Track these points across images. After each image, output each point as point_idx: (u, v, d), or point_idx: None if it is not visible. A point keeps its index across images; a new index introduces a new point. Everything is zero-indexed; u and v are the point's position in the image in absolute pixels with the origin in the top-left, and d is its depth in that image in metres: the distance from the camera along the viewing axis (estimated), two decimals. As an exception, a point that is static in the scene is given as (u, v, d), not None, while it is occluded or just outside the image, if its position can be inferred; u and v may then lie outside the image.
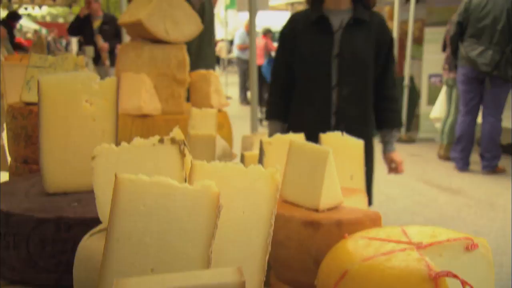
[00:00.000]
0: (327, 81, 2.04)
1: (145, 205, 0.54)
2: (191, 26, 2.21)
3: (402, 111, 6.59)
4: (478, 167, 5.08)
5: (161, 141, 0.71)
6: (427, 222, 3.74)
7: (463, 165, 5.11)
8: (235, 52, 11.81)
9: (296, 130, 1.20)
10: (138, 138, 0.71)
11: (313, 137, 1.18)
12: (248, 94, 7.96)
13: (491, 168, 4.95)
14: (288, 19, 2.23)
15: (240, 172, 0.62)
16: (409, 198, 4.35)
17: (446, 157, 5.57)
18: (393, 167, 2.20)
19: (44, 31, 19.38)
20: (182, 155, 0.71)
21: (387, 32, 2.15)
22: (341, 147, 1.11)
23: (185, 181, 0.71)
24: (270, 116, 2.24)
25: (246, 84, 11.00)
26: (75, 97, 0.92)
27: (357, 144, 1.14)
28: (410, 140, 6.56)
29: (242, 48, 11.06)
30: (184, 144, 0.73)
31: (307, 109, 2.11)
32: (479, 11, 4.64)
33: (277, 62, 2.26)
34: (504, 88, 4.73)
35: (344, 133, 1.12)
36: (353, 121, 2.04)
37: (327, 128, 1.99)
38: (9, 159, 1.18)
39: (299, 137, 1.10)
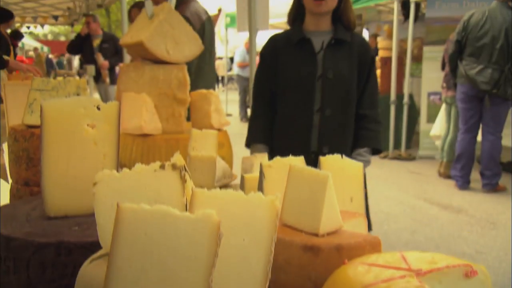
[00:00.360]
0: (309, 103, 1.99)
1: (147, 234, 0.55)
2: (192, 47, 2.24)
3: (402, 129, 6.62)
4: (479, 185, 5.07)
5: (162, 167, 0.71)
6: (428, 242, 3.72)
7: (464, 183, 5.10)
8: (235, 70, 11.91)
9: (278, 155, 1.18)
10: (140, 164, 0.72)
11: None
12: (248, 111, 8.00)
13: (491, 186, 4.94)
14: (268, 40, 2.18)
15: (241, 200, 0.62)
16: (410, 216, 4.34)
17: (446, 175, 5.57)
18: None
19: (45, 49, 19.56)
20: (183, 180, 0.72)
21: (369, 51, 2.10)
22: (340, 170, 1.12)
23: (186, 207, 0.71)
24: (253, 140, 2.14)
25: (246, 101, 11.07)
26: (77, 121, 0.93)
27: (357, 166, 1.15)
28: (410, 158, 6.57)
29: (242, 66, 11.16)
30: (185, 170, 0.73)
31: (289, 132, 2.05)
32: (477, 30, 4.68)
33: (258, 84, 2.19)
34: (503, 106, 4.76)
35: (344, 156, 1.12)
36: (337, 144, 1.98)
37: (309, 152, 1.99)
38: (10, 180, 1.19)
39: (299, 161, 1.11)
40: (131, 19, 3.75)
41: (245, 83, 10.94)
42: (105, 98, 6.70)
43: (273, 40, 2.15)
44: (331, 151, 1.53)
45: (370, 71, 2.09)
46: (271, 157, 1.41)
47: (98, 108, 0.95)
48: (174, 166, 0.71)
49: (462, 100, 4.93)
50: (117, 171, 0.97)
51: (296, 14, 2.10)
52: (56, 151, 0.92)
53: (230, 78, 19.11)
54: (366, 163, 2.03)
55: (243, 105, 11.31)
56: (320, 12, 1.97)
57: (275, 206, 0.62)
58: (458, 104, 5.04)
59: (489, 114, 4.79)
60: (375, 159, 5.46)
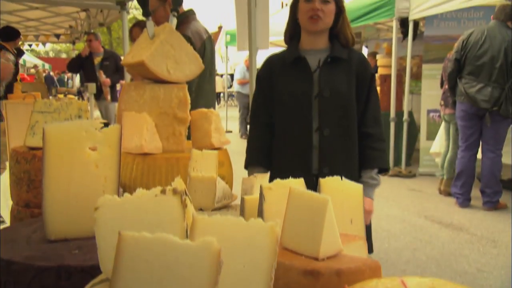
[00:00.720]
0: (308, 123, 1.96)
1: (148, 261, 0.55)
2: (192, 66, 2.25)
3: (402, 146, 6.63)
4: (479, 203, 5.06)
5: (163, 191, 0.72)
6: (429, 260, 3.70)
7: (464, 201, 5.09)
8: (235, 87, 11.97)
9: (277, 176, 1.17)
10: (141, 189, 0.73)
11: None
12: (248, 128, 8.04)
13: (492, 204, 4.93)
14: (264, 61, 2.17)
15: (241, 226, 0.63)
16: (410, 234, 4.32)
17: (446, 193, 5.56)
18: None
19: (47, 66, 19.68)
20: (184, 205, 0.72)
21: (368, 69, 2.06)
22: (340, 191, 1.12)
23: (187, 231, 0.71)
24: (251, 162, 2.13)
25: (246, 118, 11.10)
26: (79, 144, 0.94)
27: (356, 188, 1.16)
28: (410, 175, 6.56)
29: (242, 83, 11.23)
30: (186, 194, 0.74)
31: (288, 154, 2.02)
32: (476, 49, 4.72)
33: (255, 106, 2.17)
34: (503, 123, 4.77)
35: (343, 178, 1.13)
36: (337, 165, 1.94)
37: (308, 173, 1.93)
38: (10, 202, 1.19)
39: (298, 183, 1.11)
40: (132, 38, 3.79)
41: (245, 100, 10.99)
42: (105, 115, 6.73)
43: (269, 61, 2.13)
44: (332, 172, 1.50)
45: (371, 88, 2.05)
46: (272, 178, 1.40)
47: (106, 125, 0.96)
48: (175, 191, 0.72)
49: (462, 118, 4.94)
50: (118, 193, 0.98)
51: (293, 33, 2.09)
52: (57, 174, 0.93)
53: (230, 95, 19.22)
54: (377, 184, 2.02)
55: (243, 122, 11.35)
56: (316, 31, 1.96)
57: (275, 232, 0.62)
58: (458, 122, 5.06)
59: (489, 131, 4.80)
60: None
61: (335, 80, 1.96)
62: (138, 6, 2.29)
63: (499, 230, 4.39)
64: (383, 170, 2.06)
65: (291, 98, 1.99)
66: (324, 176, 1.17)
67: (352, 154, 2.01)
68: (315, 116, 1.96)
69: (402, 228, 4.48)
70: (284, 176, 1.20)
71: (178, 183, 0.77)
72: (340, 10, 1.98)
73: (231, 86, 19.05)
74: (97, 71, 6.68)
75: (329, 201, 0.84)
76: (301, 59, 1.99)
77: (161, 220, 0.72)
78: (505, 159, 5.01)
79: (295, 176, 1.21)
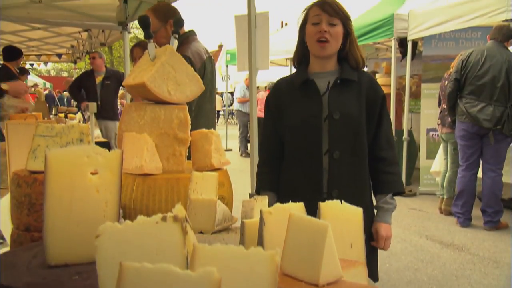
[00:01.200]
0: (317, 146, 1.92)
1: (148, 292, 0.55)
2: (193, 87, 2.27)
3: (402, 165, 6.63)
4: (480, 222, 5.04)
5: (163, 219, 0.72)
6: (430, 280, 3.67)
7: (465, 221, 5.07)
8: (235, 105, 12.02)
9: (287, 199, 1.16)
10: (141, 216, 0.73)
11: (305, 207, 1.19)
12: (249, 146, 8.05)
13: (493, 224, 4.91)
14: (273, 86, 2.15)
15: (241, 255, 0.63)
16: (412, 254, 4.29)
17: (447, 212, 5.54)
18: (378, 240, 1.96)
19: (48, 85, 19.79)
20: (184, 232, 0.72)
21: (378, 90, 2.01)
22: (340, 215, 1.13)
23: (187, 258, 0.72)
24: (261, 188, 2.09)
25: (246, 136, 11.15)
26: (80, 169, 0.94)
27: (356, 211, 1.16)
28: (410, 194, 6.55)
29: (242, 101, 11.29)
30: (186, 221, 0.74)
31: (297, 177, 1.98)
32: (477, 69, 4.76)
33: (265, 131, 2.15)
34: (504, 142, 4.79)
35: (343, 202, 1.13)
36: (347, 188, 1.91)
37: (319, 196, 1.90)
38: (11, 226, 1.19)
39: (298, 207, 1.11)
40: (133, 58, 3.83)
41: (245, 118, 11.05)
42: (106, 134, 6.74)
43: (277, 85, 2.12)
44: (341, 195, 1.49)
45: (382, 110, 2.00)
46: (282, 201, 1.39)
47: (106, 144, 0.97)
48: (175, 218, 0.72)
49: (463, 137, 4.96)
50: (118, 218, 0.98)
51: (301, 57, 2.07)
52: (59, 199, 0.93)
53: (230, 113, 19.29)
54: (393, 208, 1.98)
55: (243, 140, 11.37)
56: (324, 55, 1.94)
57: (275, 262, 0.63)
58: (458, 141, 5.07)
59: (490, 151, 4.81)
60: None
61: (344, 102, 1.93)
62: (139, 25, 2.31)
63: (501, 250, 4.36)
64: (398, 193, 2.02)
65: (301, 121, 1.96)
66: (333, 199, 1.17)
67: (362, 176, 1.97)
68: (325, 138, 1.92)
69: (403, 248, 4.46)
70: (295, 199, 1.19)
71: (179, 209, 0.78)
72: (348, 32, 1.95)
73: (231, 104, 19.13)
74: (98, 90, 6.72)
75: (329, 227, 0.84)
76: (309, 82, 1.96)
77: (162, 247, 0.72)
78: (506, 178, 5.01)
79: (306, 199, 1.19)
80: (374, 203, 2.05)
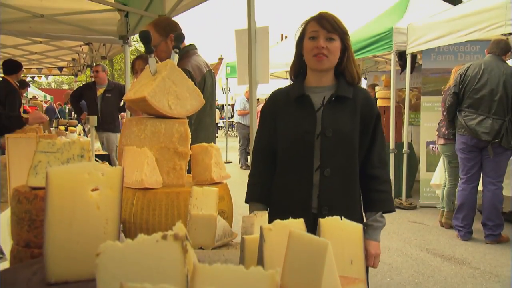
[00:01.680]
0: (309, 162, 1.92)
1: (148, 312, 0.55)
2: (193, 102, 2.28)
3: (402, 177, 6.63)
4: (481, 236, 5.02)
5: (164, 237, 0.73)
6: (431, 295, 3.65)
7: (466, 234, 5.06)
8: (236, 118, 12.05)
9: (276, 213, 1.15)
10: (142, 235, 0.73)
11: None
12: (249, 158, 8.06)
13: (494, 237, 4.89)
14: (269, 97, 2.15)
15: (241, 274, 0.63)
16: (413, 268, 4.27)
17: (448, 225, 5.53)
18: (367, 258, 1.91)
19: (49, 97, 19.86)
20: (185, 251, 0.73)
21: (373, 108, 2.00)
22: (340, 231, 1.13)
23: (187, 277, 0.72)
24: (251, 198, 2.09)
25: (247, 148, 11.16)
26: (81, 186, 0.95)
27: (356, 228, 1.16)
28: (411, 207, 6.54)
29: (243, 114, 11.33)
30: (187, 239, 0.75)
31: (288, 191, 1.98)
32: (475, 82, 4.80)
33: (258, 142, 2.15)
34: (504, 155, 4.79)
35: (343, 218, 1.13)
36: (337, 205, 1.90)
37: (308, 212, 1.90)
38: (10, 242, 1.19)
39: (298, 223, 1.11)
40: (135, 70, 3.85)
41: (245, 131, 11.10)
42: (107, 146, 6.76)
43: (273, 97, 2.12)
44: (332, 212, 1.47)
45: (376, 128, 1.99)
46: (271, 215, 1.39)
47: (106, 157, 0.98)
48: (176, 237, 0.72)
49: (462, 150, 4.97)
50: (119, 235, 0.99)
51: (298, 70, 2.07)
52: (59, 216, 0.94)
53: (231, 125, 19.33)
54: (382, 226, 1.97)
55: (243, 152, 11.39)
56: (321, 69, 1.94)
57: (275, 281, 0.63)
58: (458, 154, 5.07)
59: (490, 164, 4.82)
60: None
61: (338, 119, 1.91)
62: (140, 40, 2.33)
63: (502, 264, 4.34)
64: (389, 211, 1.99)
65: (293, 135, 1.95)
66: (323, 216, 1.17)
67: (352, 194, 1.97)
68: (317, 155, 1.91)
69: (404, 262, 4.44)
70: (283, 213, 1.19)
71: (179, 227, 0.78)
72: (345, 47, 1.95)
73: (232, 116, 19.17)
74: (98, 102, 6.76)
75: (329, 245, 0.84)
76: (305, 97, 1.96)
77: (162, 266, 0.72)
78: (506, 192, 5.00)
79: (294, 214, 1.20)
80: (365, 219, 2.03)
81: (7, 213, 1.30)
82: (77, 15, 5.72)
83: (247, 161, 11.20)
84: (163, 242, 0.73)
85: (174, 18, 4.75)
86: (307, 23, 2.00)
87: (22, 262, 1.12)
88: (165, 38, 3.14)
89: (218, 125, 20.50)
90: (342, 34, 1.94)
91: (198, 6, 4.35)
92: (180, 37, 2.51)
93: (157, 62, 2.29)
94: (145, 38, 2.25)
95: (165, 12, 4.83)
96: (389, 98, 6.93)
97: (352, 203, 1.97)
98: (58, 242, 0.94)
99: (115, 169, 0.98)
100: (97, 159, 4.15)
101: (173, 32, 3.17)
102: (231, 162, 11.88)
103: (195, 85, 3.01)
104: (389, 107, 6.94)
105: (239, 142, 11.60)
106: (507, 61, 4.95)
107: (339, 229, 1.12)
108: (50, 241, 0.94)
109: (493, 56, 4.86)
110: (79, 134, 6.18)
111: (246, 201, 2.12)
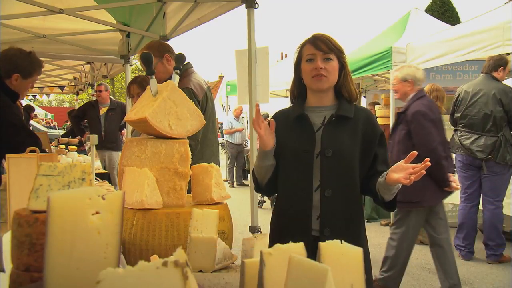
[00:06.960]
0: (308, 181, 1.91)
1: None
2: (194, 122, 2.30)
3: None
4: (483, 255, 4.99)
5: (164, 264, 0.73)
6: (433, 316, 3.61)
7: (467, 254, 5.02)
8: (225, 136, 12.03)
9: (277, 235, 1.15)
10: (142, 262, 0.73)
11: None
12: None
13: (496, 257, 4.86)
14: (271, 118, 2.14)
15: (241, 303, 0.63)
16: (414, 288, 4.23)
17: (448, 245, 5.49)
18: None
19: (49, 115, 19.93)
20: (185, 278, 0.73)
21: (376, 127, 1.98)
22: (340, 255, 1.12)
23: (187, 305, 0.72)
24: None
25: (234, 167, 11.29)
26: (82, 211, 0.95)
27: (357, 252, 1.15)
28: (412, 226, 6.48)
29: (229, 133, 11.41)
30: (187, 265, 0.75)
31: (288, 213, 1.98)
32: (466, 104, 4.94)
33: None
34: (502, 174, 4.79)
35: (343, 241, 1.13)
36: (339, 227, 1.87)
37: (308, 234, 1.88)
38: (10, 265, 1.19)
39: (299, 247, 1.11)
40: (130, 95, 3.87)
41: (233, 150, 11.20)
42: (108, 165, 6.77)
43: (274, 117, 2.12)
44: (334, 234, 1.47)
45: (380, 147, 1.96)
46: (272, 236, 1.39)
47: (106, 176, 0.98)
48: (176, 263, 0.73)
49: (460, 168, 5.00)
50: (119, 261, 0.98)
51: (298, 92, 2.08)
52: (60, 240, 0.94)
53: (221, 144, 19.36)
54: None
55: (231, 170, 11.44)
56: (322, 89, 1.94)
57: (276, 310, 0.63)
58: (457, 173, 5.08)
59: (488, 183, 4.82)
60: (376, 227, 5.44)
61: (338, 139, 1.90)
62: (141, 62, 2.37)
63: (504, 284, 4.30)
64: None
65: (293, 155, 1.96)
66: (325, 239, 1.17)
67: (355, 216, 1.95)
68: (316, 175, 1.91)
69: (405, 282, 4.39)
70: (284, 236, 1.19)
71: (179, 254, 0.78)
72: (342, 65, 1.96)
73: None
74: (101, 121, 6.81)
75: (329, 271, 0.84)
76: (304, 117, 1.96)
77: (162, 293, 0.72)
78: (506, 211, 4.99)
79: (295, 236, 1.19)
80: (369, 241, 2.02)
81: (6, 236, 1.30)
82: (79, 35, 5.79)
83: (235, 180, 11.33)
84: (163, 269, 0.73)
85: (175, 38, 4.81)
86: (302, 46, 2.02)
87: (22, 287, 1.11)
88: (160, 58, 3.20)
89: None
90: (338, 53, 1.96)
91: (199, 26, 4.40)
92: (181, 58, 2.54)
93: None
94: (146, 60, 2.28)
95: (166, 33, 4.89)
96: (389, 117, 6.96)
97: (356, 225, 1.95)
98: (58, 266, 0.94)
99: (116, 194, 0.98)
100: (97, 178, 4.15)
101: (167, 52, 3.22)
102: (228, 181, 11.87)
103: (198, 102, 3.05)
104: (389, 125, 6.96)
105: (228, 160, 11.62)
106: (507, 79, 5.03)
107: (339, 254, 1.11)
108: (50, 265, 0.94)
109: (484, 76, 4.99)
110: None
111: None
